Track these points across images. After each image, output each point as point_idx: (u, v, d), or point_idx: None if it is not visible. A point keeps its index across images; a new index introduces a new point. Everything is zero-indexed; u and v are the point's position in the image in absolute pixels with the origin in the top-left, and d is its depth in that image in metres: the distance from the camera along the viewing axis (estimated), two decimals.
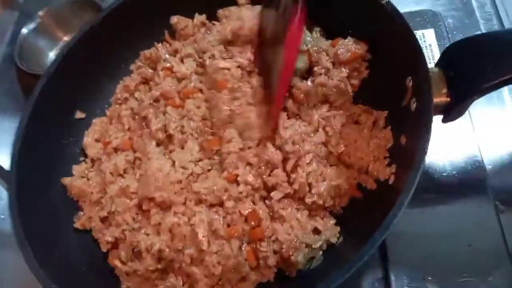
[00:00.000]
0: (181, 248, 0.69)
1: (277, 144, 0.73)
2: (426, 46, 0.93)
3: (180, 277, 0.69)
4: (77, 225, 0.79)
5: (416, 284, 0.72)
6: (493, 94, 0.85)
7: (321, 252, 0.70)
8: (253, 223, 0.70)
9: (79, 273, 0.73)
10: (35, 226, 0.71)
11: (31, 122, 0.80)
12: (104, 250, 0.76)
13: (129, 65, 0.95)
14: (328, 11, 0.82)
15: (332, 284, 0.55)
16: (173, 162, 0.76)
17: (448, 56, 0.67)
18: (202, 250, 0.67)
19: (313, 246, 0.69)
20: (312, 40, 0.82)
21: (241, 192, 0.72)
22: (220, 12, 0.91)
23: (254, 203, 0.72)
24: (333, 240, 0.70)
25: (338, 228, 0.71)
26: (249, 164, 0.74)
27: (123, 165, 0.80)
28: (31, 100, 0.82)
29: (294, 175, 0.72)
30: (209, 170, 0.76)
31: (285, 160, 0.73)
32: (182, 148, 0.78)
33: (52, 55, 1.21)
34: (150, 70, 0.91)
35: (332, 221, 0.72)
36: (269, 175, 0.73)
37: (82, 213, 0.81)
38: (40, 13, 1.20)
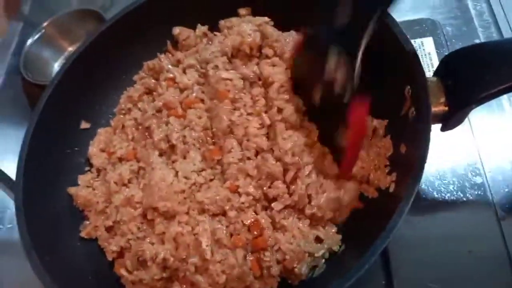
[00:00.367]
0: (185, 257, 0.69)
1: (276, 155, 0.74)
2: (425, 55, 0.94)
3: (184, 286, 0.70)
4: (83, 234, 0.80)
5: None
6: (493, 101, 0.86)
7: (323, 260, 0.70)
8: (255, 232, 0.71)
9: (85, 281, 0.74)
10: (42, 235, 0.72)
11: (37, 132, 0.81)
12: (110, 259, 0.77)
13: (133, 75, 0.97)
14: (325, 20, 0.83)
15: None
16: (176, 172, 0.76)
17: (446, 65, 0.68)
18: (206, 259, 0.68)
19: (316, 255, 0.69)
20: None
21: (243, 203, 0.73)
22: (222, 23, 0.92)
23: (256, 212, 0.73)
24: (335, 248, 0.70)
25: (339, 236, 0.72)
26: (249, 175, 0.74)
27: (127, 175, 0.81)
28: (37, 111, 0.83)
29: (293, 187, 0.72)
30: (211, 180, 0.77)
31: (284, 171, 0.73)
32: (185, 158, 0.79)
33: (57, 65, 1.23)
34: (153, 81, 0.92)
35: (334, 229, 0.72)
36: (270, 186, 0.73)
37: (88, 222, 0.82)
38: (45, 24, 1.21)
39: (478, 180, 0.80)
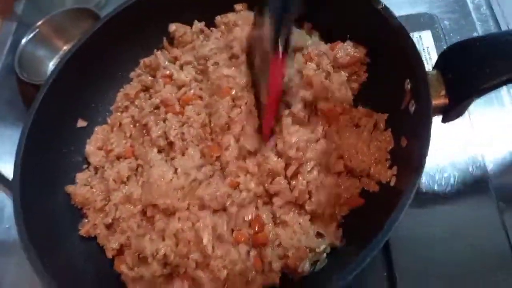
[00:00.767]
0: (186, 253, 0.69)
1: (279, 149, 0.74)
2: (423, 49, 0.93)
3: (185, 282, 0.70)
4: (82, 232, 0.79)
5: (420, 284, 0.72)
6: (492, 94, 0.86)
7: (325, 255, 0.70)
8: (256, 228, 0.70)
9: (85, 279, 0.73)
10: (40, 234, 0.71)
11: (33, 132, 0.80)
12: (110, 256, 0.76)
13: (129, 72, 0.96)
14: (326, 15, 0.83)
15: (336, 286, 0.56)
16: (175, 169, 0.76)
17: (445, 58, 0.68)
18: (207, 255, 0.68)
19: (317, 250, 0.69)
20: (312, 43, 0.83)
21: (244, 198, 0.72)
22: (218, 19, 0.92)
23: (257, 208, 0.73)
24: (336, 243, 0.70)
25: (340, 231, 0.71)
26: (249, 173, 0.74)
27: (126, 173, 0.81)
28: (32, 110, 0.82)
29: (294, 182, 0.72)
30: (211, 176, 0.76)
31: (286, 166, 0.73)
32: (183, 155, 0.78)
33: (51, 64, 1.22)
34: (150, 78, 0.92)
35: (335, 224, 0.72)
36: (271, 182, 0.73)
37: (86, 220, 0.81)
38: (39, 23, 1.21)
39: (479, 173, 0.80)
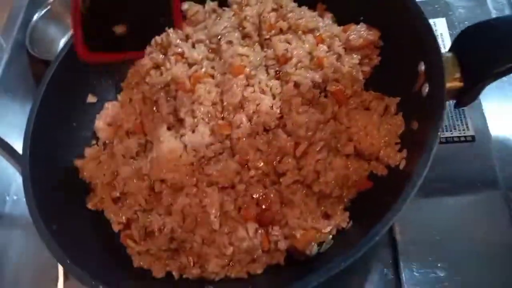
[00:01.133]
0: (192, 228, 0.69)
1: (288, 129, 0.73)
2: (437, 35, 0.92)
3: (191, 258, 0.70)
4: (90, 205, 0.80)
5: (425, 270, 0.72)
6: (505, 83, 0.85)
7: (331, 236, 0.70)
8: (263, 206, 0.70)
9: (92, 250, 0.73)
10: (48, 206, 0.72)
11: (43, 107, 0.81)
12: (116, 230, 0.77)
13: None
14: None
15: (341, 266, 0.56)
16: (185, 145, 0.76)
17: (461, 41, 0.67)
18: (213, 231, 0.68)
19: (323, 231, 0.68)
20: (324, 25, 0.82)
21: (252, 176, 0.72)
22: None
23: (265, 187, 0.73)
24: (343, 224, 0.70)
25: (347, 213, 0.71)
26: (259, 150, 0.74)
27: (135, 148, 0.81)
28: (42, 85, 0.83)
29: (302, 162, 0.72)
30: (220, 154, 0.76)
31: (295, 145, 0.73)
32: (193, 132, 0.78)
33: (62, 41, 1.22)
34: (161, 55, 0.91)
35: (342, 206, 0.72)
36: (279, 161, 0.73)
37: (94, 194, 0.82)
38: (51, 0, 1.20)
39: (488, 164, 0.80)
